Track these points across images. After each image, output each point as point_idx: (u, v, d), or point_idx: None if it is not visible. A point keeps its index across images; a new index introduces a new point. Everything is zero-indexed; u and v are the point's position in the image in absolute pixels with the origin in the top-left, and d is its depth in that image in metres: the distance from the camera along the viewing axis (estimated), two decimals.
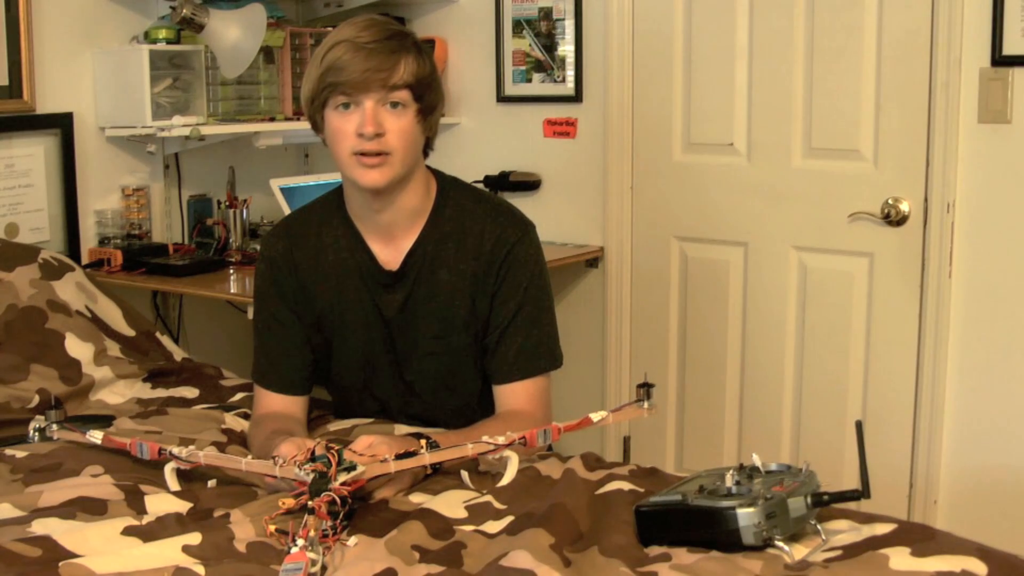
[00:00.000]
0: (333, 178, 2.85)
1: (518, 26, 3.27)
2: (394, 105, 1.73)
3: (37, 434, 1.86)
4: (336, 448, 1.52)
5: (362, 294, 1.88)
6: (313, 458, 1.51)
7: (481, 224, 1.86)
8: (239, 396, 2.16)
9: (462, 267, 1.85)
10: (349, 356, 1.92)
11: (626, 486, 1.57)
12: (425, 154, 1.88)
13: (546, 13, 3.22)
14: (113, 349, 2.25)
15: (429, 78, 1.77)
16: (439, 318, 1.87)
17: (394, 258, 1.86)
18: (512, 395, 1.86)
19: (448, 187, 1.91)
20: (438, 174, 1.92)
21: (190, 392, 2.19)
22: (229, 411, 2.04)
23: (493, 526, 1.47)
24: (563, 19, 3.20)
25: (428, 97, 1.77)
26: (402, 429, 1.87)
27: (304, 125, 3.13)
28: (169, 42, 2.90)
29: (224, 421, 1.97)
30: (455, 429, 1.82)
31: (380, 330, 1.89)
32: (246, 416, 2.01)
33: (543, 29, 3.24)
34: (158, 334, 2.44)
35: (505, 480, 1.60)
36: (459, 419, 1.88)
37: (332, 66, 1.72)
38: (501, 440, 1.59)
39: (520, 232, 1.87)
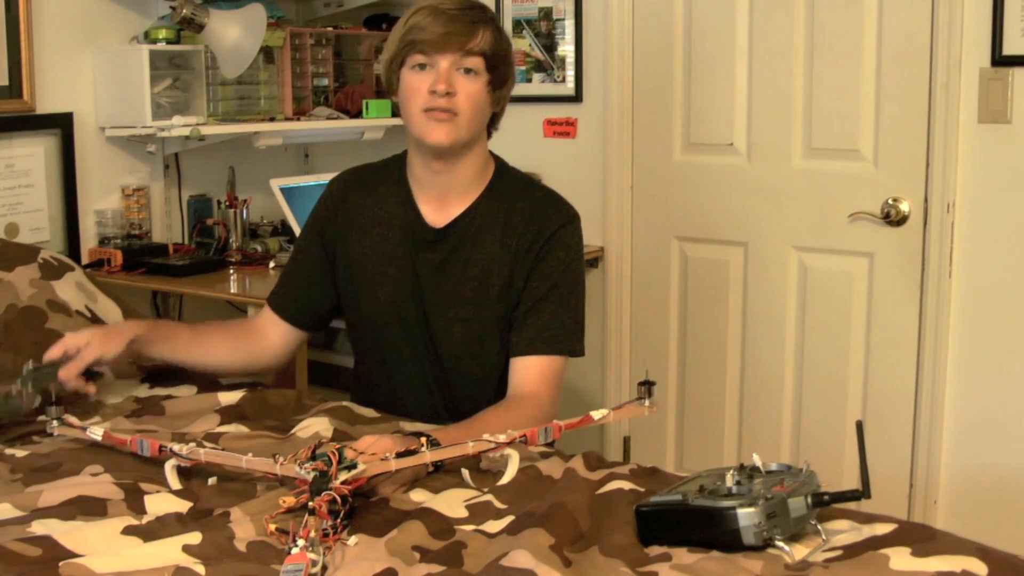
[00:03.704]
0: None
1: (518, 26, 3.27)
2: (467, 71, 1.83)
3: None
4: (337, 447, 1.52)
5: (401, 249, 1.94)
6: (314, 456, 1.51)
7: (531, 205, 1.94)
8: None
9: (507, 241, 1.92)
10: (377, 310, 1.97)
11: (626, 486, 1.56)
12: (489, 133, 1.97)
13: (546, 13, 3.22)
14: None
15: (504, 52, 1.88)
16: (475, 286, 1.92)
17: (442, 220, 1.94)
18: (526, 371, 1.89)
19: (506, 169, 2.00)
20: (498, 159, 2.01)
21: (187, 391, 2.19)
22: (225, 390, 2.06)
23: (493, 526, 1.47)
24: (563, 19, 3.20)
25: (500, 69, 1.87)
26: (406, 427, 1.87)
27: (304, 125, 3.18)
28: (169, 42, 2.90)
29: (219, 402, 1.98)
30: (471, 401, 1.88)
31: (412, 288, 1.94)
32: (240, 386, 2.03)
33: (543, 29, 3.24)
34: None
35: (506, 478, 1.60)
36: (479, 392, 1.94)
37: (415, 26, 1.83)
38: (502, 438, 1.59)
39: (567, 218, 1.97)
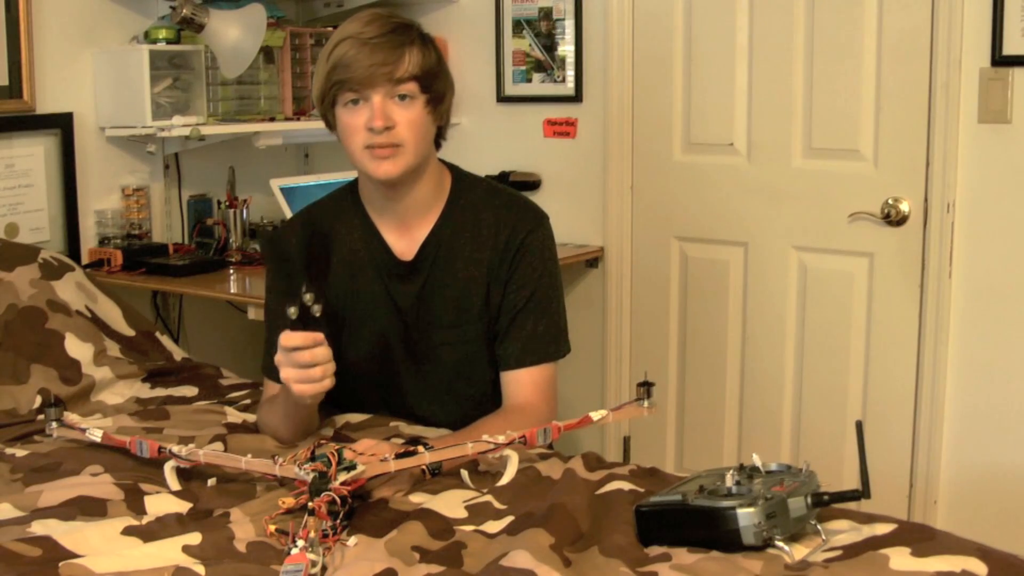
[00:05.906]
0: (333, 178, 2.86)
1: (518, 26, 3.27)
2: (402, 97, 1.75)
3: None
4: (336, 448, 1.53)
5: (376, 286, 1.89)
6: (313, 457, 1.51)
7: (496, 214, 1.88)
8: (238, 395, 2.16)
9: (477, 256, 1.87)
10: (362, 349, 1.92)
11: (626, 486, 1.57)
12: (438, 145, 1.89)
13: (546, 13, 3.22)
14: (113, 349, 2.25)
15: (435, 68, 1.79)
16: (455, 308, 1.88)
17: (409, 249, 1.88)
18: (519, 384, 1.86)
19: (463, 180, 1.93)
20: (453, 168, 1.94)
21: (189, 391, 2.19)
22: (230, 405, 2.04)
23: (493, 526, 1.47)
24: (563, 19, 3.20)
25: (436, 86, 1.79)
26: (404, 431, 1.87)
27: (304, 125, 3.18)
28: (169, 42, 2.90)
29: (226, 416, 1.97)
30: (466, 422, 1.82)
31: (395, 321, 1.89)
32: (246, 408, 2.01)
33: (543, 29, 3.24)
34: (158, 334, 2.44)
35: (505, 479, 1.60)
36: (473, 410, 1.88)
37: (338, 63, 1.74)
38: (501, 439, 1.59)
39: (534, 222, 1.90)
